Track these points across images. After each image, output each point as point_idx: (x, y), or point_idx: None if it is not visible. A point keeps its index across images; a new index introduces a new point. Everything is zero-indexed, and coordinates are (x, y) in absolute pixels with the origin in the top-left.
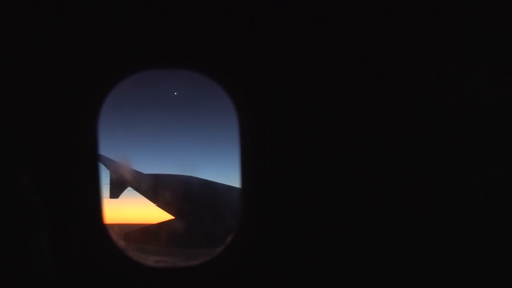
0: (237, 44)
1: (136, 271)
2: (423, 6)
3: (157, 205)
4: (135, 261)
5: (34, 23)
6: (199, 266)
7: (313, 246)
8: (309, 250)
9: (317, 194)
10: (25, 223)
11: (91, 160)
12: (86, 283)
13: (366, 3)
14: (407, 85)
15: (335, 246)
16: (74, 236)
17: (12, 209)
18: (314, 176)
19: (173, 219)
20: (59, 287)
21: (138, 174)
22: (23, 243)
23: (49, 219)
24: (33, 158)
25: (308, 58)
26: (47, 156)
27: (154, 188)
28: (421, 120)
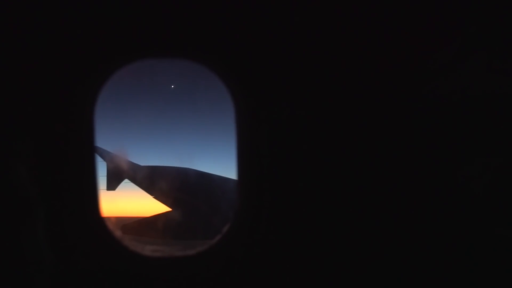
0: (235, 34)
1: (133, 261)
2: None
3: (154, 197)
4: (131, 251)
5: (28, 15)
6: (196, 256)
7: (309, 237)
8: (306, 241)
9: (314, 186)
10: (21, 214)
11: (87, 152)
12: (83, 273)
13: None
14: (403, 76)
15: (332, 238)
16: (71, 228)
17: (8, 201)
18: (311, 167)
19: (170, 211)
20: (56, 278)
21: (135, 166)
22: (20, 234)
23: (45, 211)
24: (29, 150)
25: (306, 50)
26: (43, 147)
27: (151, 180)
28: (418, 110)
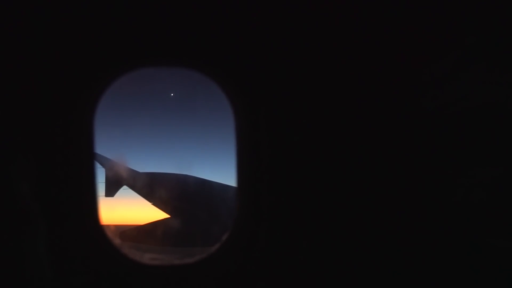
0: (234, 42)
1: (131, 269)
2: (418, 6)
3: (153, 204)
4: (130, 259)
5: (29, 22)
6: (194, 264)
7: (308, 244)
8: (304, 248)
9: (312, 192)
10: (22, 227)
11: (87, 159)
12: (82, 281)
13: (362, 2)
14: (402, 85)
15: (331, 244)
16: (70, 235)
17: (10, 214)
18: (309, 174)
19: (169, 218)
20: (55, 286)
21: (134, 173)
22: (21, 247)
23: (46, 220)
24: (31, 163)
25: (304, 56)
26: (43, 155)
27: (150, 186)
28: (417, 119)
